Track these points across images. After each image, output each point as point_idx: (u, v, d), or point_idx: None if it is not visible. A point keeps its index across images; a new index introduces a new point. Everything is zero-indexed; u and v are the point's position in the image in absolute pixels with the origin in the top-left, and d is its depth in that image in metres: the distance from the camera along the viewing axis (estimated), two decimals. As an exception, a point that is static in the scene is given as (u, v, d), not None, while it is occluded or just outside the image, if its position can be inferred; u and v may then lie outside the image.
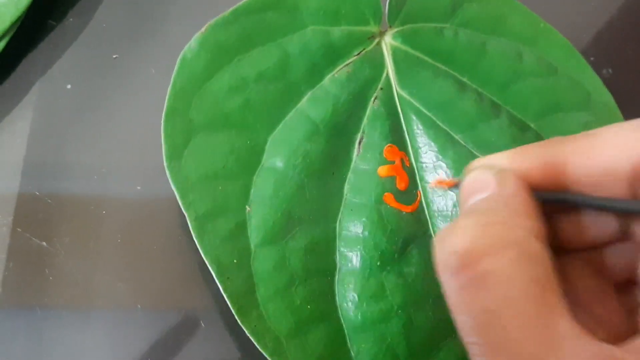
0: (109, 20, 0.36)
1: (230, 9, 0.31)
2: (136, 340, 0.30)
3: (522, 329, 0.17)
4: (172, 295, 0.31)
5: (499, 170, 0.20)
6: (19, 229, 0.31)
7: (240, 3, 0.31)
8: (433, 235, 0.30)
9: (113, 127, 0.34)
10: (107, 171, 0.33)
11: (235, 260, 0.27)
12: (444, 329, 0.28)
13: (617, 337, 0.18)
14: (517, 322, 0.17)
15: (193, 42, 0.30)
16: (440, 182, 0.27)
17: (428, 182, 0.31)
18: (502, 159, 0.21)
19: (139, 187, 0.33)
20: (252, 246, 0.28)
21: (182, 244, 0.31)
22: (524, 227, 0.19)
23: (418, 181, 0.31)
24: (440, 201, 0.30)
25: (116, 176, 0.33)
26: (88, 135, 0.34)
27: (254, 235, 0.28)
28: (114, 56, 0.36)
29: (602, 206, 0.20)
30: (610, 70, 0.38)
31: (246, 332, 0.26)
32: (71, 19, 0.36)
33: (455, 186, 0.27)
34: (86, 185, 0.33)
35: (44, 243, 0.31)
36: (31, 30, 0.35)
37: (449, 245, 0.19)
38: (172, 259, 0.31)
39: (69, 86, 0.35)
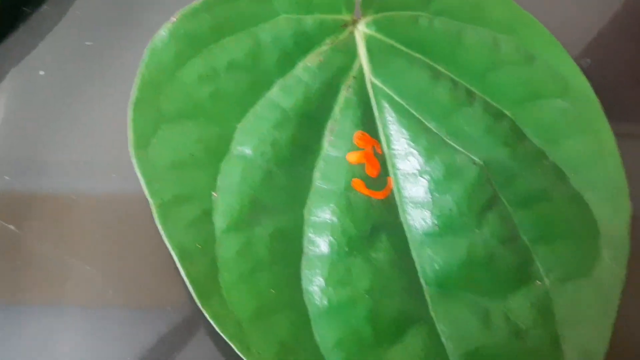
0: (83, 8, 0.37)
1: (201, -1, 0.31)
2: (108, 325, 0.30)
3: None
4: (145, 280, 0.31)
5: None
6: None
7: (211, -8, 0.31)
8: (403, 222, 0.30)
9: (86, 114, 0.35)
10: (78, 158, 0.33)
11: (198, 246, 0.27)
12: (411, 313, 0.27)
13: None
14: None
15: (163, 32, 0.31)
16: None
17: (400, 170, 0.30)
18: None
19: (114, 175, 0.33)
20: (217, 232, 0.28)
21: (155, 230, 0.31)
22: None
23: (389, 168, 0.30)
24: (412, 188, 0.30)
25: (89, 164, 0.33)
26: (61, 122, 0.34)
27: (220, 221, 0.28)
28: (88, 43, 0.36)
29: None
30: (588, 61, 0.37)
31: (207, 316, 0.26)
32: (46, 7, 0.37)
33: None
34: (58, 172, 0.33)
35: (12, 226, 0.31)
36: (6, 18, 0.36)
37: None
38: (145, 244, 0.32)
39: (42, 72, 0.35)
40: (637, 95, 0.39)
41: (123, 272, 0.31)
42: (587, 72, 0.34)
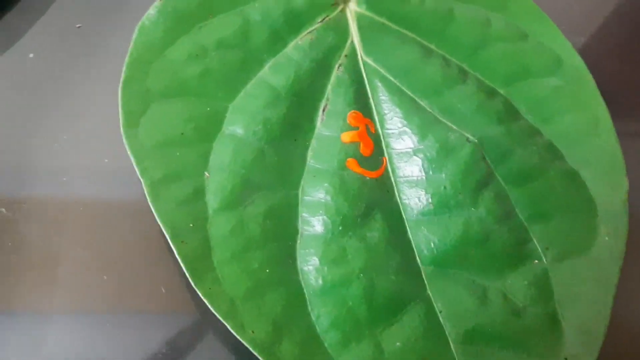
0: None
1: (190, -23, 0.31)
2: (103, 308, 0.29)
3: None
4: (138, 264, 0.31)
5: None
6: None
7: (200, -29, 0.31)
8: (399, 201, 0.29)
9: (76, 96, 0.34)
10: (68, 139, 0.33)
11: (191, 224, 0.27)
12: (407, 292, 0.27)
13: None
14: None
15: (152, 10, 0.30)
16: None
17: (394, 149, 0.30)
18: None
19: (106, 160, 0.32)
20: (210, 211, 0.27)
21: (146, 212, 0.30)
22: None
23: (384, 147, 0.30)
24: (406, 167, 0.30)
25: (80, 146, 0.33)
26: (50, 104, 0.34)
27: (212, 200, 0.27)
28: (78, 25, 0.35)
29: None
30: (582, 39, 0.37)
31: (200, 294, 0.25)
32: None
33: None
34: (48, 152, 0.33)
35: (3, 209, 0.31)
36: None
37: None
38: (135, 227, 0.31)
39: (31, 55, 0.35)
40: (631, 75, 0.38)
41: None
42: (579, 51, 0.34)
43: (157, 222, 0.27)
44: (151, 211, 0.27)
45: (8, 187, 0.32)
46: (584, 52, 0.34)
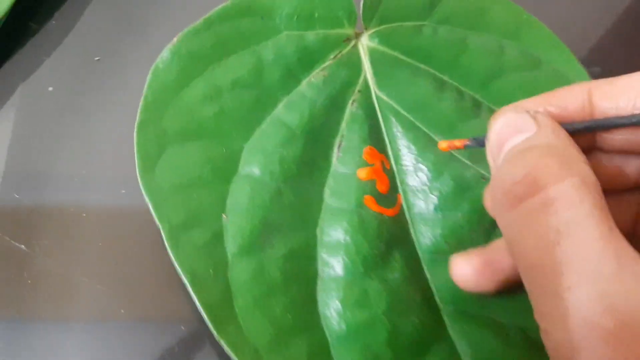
0: (91, 23, 0.37)
1: (203, 18, 0.31)
2: (117, 345, 0.29)
3: (590, 246, 0.18)
4: (155, 299, 0.31)
5: (535, 112, 0.22)
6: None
7: (213, 11, 0.31)
8: (414, 240, 0.29)
9: (95, 130, 0.34)
10: (87, 173, 0.33)
11: (211, 271, 0.27)
12: (430, 333, 0.27)
13: None
14: (584, 240, 0.18)
15: (165, 53, 0.30)
16: (450, 143, 0.26)
17: (409, 185, 0.30)
18: (530, 102, 0.23)
19: (123, 191, 0.32)
20: (229, 256, 0.27)
21: (164, 248, 0.30)
22: (577, 157, 0.20)
23: (398, 184, 0.30)
24: (421, 204, 0.30)
25: (97, 179, 0.33)
26: (70, 138, 0.34)
27: (231, 244, 0.27)
28: (96, 58, 0.35)
29: (637, 121, 0.21)
30: (599, 69, 0.37)
31: (223, 344, 0.25)
32: (54, 22, 0.36)
33: (467, 146, 0.26)
34: (67, 188, 0.32)
35: (23, 246, 0.31)
36: (13, 33, 0.35)
37: (510, 178, 0.20)
38: (153, 263, 0.31)
39: (50, 89, 0.35)
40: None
41: (131, 287, 0.30)
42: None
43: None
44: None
45: (27, 222, 0.32)
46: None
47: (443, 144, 0.26)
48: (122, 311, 0.30)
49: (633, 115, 0.22)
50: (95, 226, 0.32)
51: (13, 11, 0.33)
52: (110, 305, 0.30)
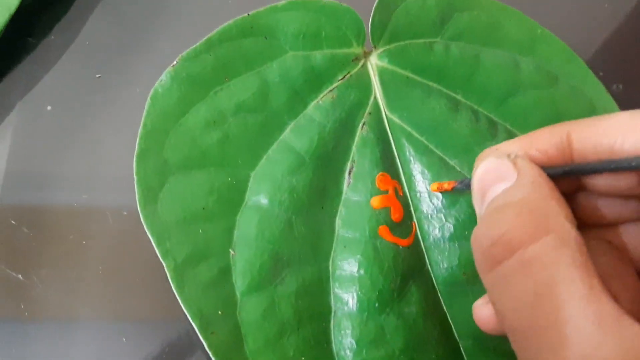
0: (92, 38, 0.35)
1: (203, 39, 0.29)
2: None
3: (569, 308, 0.18)
4: (157, 326, 0.30)
5: (516, 157, 0.21)
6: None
7: (214, 32, 0.29)
8: (430, 270, 0.28)
9: (94, 151, 0.33)
10: (88, 197, 0.31)
11: (219, 312, 0.25)
12: (450, 372, 0.25)
13: (634, 315, 0.18)
14: (563, 302, 0.18)
15: (164, 77, 0.29)
16: (439, 186, 0.25)
17: (423, 212, 0.29)
18: (511, 145, 0.23)
19: (125, 213, 0.31)
20: (238, 294, 0.26)
21: (163, 273, 0.29)
22: (555, 212, 0.20)
23: (412, 211, 0.29)
24: (436, 233, 0.28)
25: (98, 203, 0.31)
26: (68, 159, 0.32)
27: (240, 281, 0.26)
28: (97, 75, 0.34)
29: (616, 167, 0.20)
30: (620, 86, 0.35)
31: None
32: (53, 37, 0.35)
33: (455, 188, 0.25)
34: (66, 212, 0.31)
35: (20, 276, 0.30)
36: (10, 48, 0.34)
37: (487, 239, 0.20)
38: (155, 289, 0.30)
39: (49, 107, 0.33)
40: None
41: (133, 315, 0.29)
42: (618, 98, 0.32)
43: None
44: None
45: (25, 251, 0.30)
46: (621, 100, 0.32)
47: (434, 186, 0.27)
48: (124, 339, 0.29)
49: (611, 161, 0.21)
50: (94, 252, 0.31)
51: (10, 26, 0.32)
52: (112, 333, 0.29)
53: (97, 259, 0.31)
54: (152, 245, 0.27)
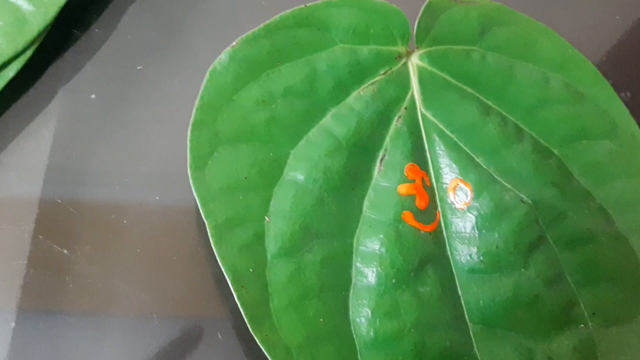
0: (133, 31, 0.37)
1: (262, 25, 0.32)
2: (152, 350, 0.31)
3: None
4: (189, 305, 0.32)
5: None
6: (40, 236, 0.32)
7: (272, 19, 0.32)
8: (450, 256, 0.30)
9: (135, 138, 0.35)
10: (129, 181, 0.34)
11: (251, 270, 0.28)
12: (456, 350, 0.28)
13: None
14: None
15: (223, 56, 0.31)
16: None
17: (448, 203, 0.31)
18: None
19: (157, 198, 0.33)
20: (269, 257, 0.28)
21: (200, 256, 0.32)
22: None
23: (438, 201, 0.31)
24: (459, 222, 0.30)
25: (138, 186, 0.34)
26: (110, 145, 0.34)
27: (271, 246, 0.28)
28: (139, 67, 0.36)
29: None
30: (628, 94, 0.37)
31: (257, 341, 0.26)
32: (96, 30, 0.37)
33: None
34: (108, 194, 0.33)
35: (65, 251, 0.32)
36: (56, 39, 0.36)
37: None
38: (190, 269, 0.32)
39: (93, 96, 0.35)
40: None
41: (167, 291, 0.32)
42: (626, 106, 0.34)
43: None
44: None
45: (69, 228, 0.32)
46: (629, 107, 0.34)
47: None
48: (154, 315, 0.31)
49: None
50: (134, 232, 0.33)
51: (57, 18, 0.34)
52: (147, 309, 0.31)
53: (135, 238, 0.32)
54: (184, 229, 0.30)
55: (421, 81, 0.33)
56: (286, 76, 0.32)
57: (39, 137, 0.34)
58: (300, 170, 0.30)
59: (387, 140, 0.32)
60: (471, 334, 0.28)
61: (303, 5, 0.32)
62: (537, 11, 0.36)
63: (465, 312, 0.29)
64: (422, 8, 0.33)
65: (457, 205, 0.31)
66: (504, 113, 0.33)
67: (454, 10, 0.33)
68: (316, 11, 0.32)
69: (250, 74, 0.31)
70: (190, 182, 0.29)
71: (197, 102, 0.30)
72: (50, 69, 0.36)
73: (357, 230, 0.30)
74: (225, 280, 0.28)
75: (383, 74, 0.33)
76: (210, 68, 0.31)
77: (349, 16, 0.32)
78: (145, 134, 0.35)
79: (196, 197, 0.29)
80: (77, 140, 0.34)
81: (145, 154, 0.35)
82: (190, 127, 0.30)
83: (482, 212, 0.30)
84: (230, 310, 0.31)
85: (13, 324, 0.30)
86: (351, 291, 0.28)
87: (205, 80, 0.31)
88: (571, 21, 0.40)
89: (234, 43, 0.31)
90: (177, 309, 0.32)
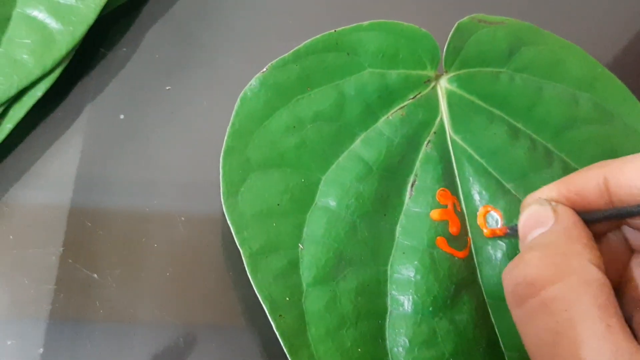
0: (160, 51, 0.37)
1: (292, 50, 0.32)
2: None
3: (586, 347, 0.19)
4: (219, 332, 0.32)
5: (555, 205, 0.24)
6: (69, 260, 0.32)
7: (302, 45, 0.32)
8: (481, 283, 0.30)
9: (163, 159, 0.35)
10: (158, 203, 0.34)
11: (287, 298, 0.28)
12: (493, 378, 0.27)
13: None
14: (581, 341, 0.19)
15: (254, 82, 0.31)
16: (493, 232, 0.27)
17: (478, 229, 0.31)
18: (550, 191, 0.24)
19: (183, 218, 0.33)
20: (304, 285, 0.28)
21: (229, 281, 0.32)
22: (581, 256, 0.21)
23: (468, 227, 0.31)
24: (488, 249, 0.30)
25: (165, 207, 0.33)
26: (137, 165, 0.34)
27: (306, 273, 0.28)
28: (167, 88, 0.36)
29: None
30: None
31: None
32: (124, 49, 0.37)
33: (507, 234, 0.27)
34: (137, 216, 0.33)
35: (95, 275, 0.32)
36: (84, 58, 0.36)
37: (515, 277, 0.22)
38: (220, 295, 0.32)
39: (122, 116, 0.35)
40: None
41: (195, 316, 0.32)
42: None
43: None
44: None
45: (99, 252, 0.32)
46: None
47: (488, 232, 0.30)
48: (181, 339, 0.31)
49: None
50: (163, 255, 0.32)
51: (85, 37, 0.34)
52: (174, 335, 0.31)
53: (164, 262, 0.32)
54: (213, 253, 0.30)
55: (450, 105, 0.33)
56: (315, 101, 0.32)
57: (66, 157, 0.34)
58: (332, 196, 0.30)
59: (417, 165, 0.32)
60: (508, 362, 0.28)
61: (332, 31, 0.32)
62: (564, 28, 0.36)
63: (499, 339, 0.29)
64: (452, 31, 0.33)
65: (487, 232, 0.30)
66: (533, 135, 0.33)
67: (483, 32, 0.33)
68: (345, 36, 0.32)
69: (281, 100, 0.31)
70: (224, 209, 0.29)
71: (228, 129, 0.30)
72: (77, 87, 0.36)
73: (391, 257, 0.30)
74: (255, 306, 0.28)
75: (412, 98, 0.33)
76: (241, 94, 0.31)
77: (377, 40, 0.32)
78: (172, 155, 0.35)
79: (230, 225, 0.29)
80: (104, 160, 0.34)
81: (173, 175, 0.34)
82: (222, 154, 0.30)
83: (512, 239, 0.30)
84: (260, 337, 0.31)
85: (41, 350, 0.30)
86: (387, 320, 0.28)
87: (236, 107, 0.31)
88: (598, 37, 0.40)
89: (264, 69, 0.31)
90: (205, 334, 0.31)
